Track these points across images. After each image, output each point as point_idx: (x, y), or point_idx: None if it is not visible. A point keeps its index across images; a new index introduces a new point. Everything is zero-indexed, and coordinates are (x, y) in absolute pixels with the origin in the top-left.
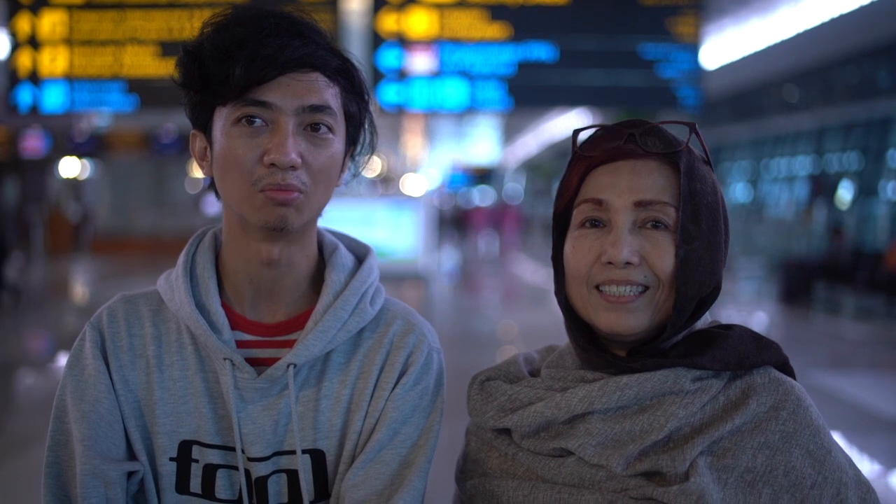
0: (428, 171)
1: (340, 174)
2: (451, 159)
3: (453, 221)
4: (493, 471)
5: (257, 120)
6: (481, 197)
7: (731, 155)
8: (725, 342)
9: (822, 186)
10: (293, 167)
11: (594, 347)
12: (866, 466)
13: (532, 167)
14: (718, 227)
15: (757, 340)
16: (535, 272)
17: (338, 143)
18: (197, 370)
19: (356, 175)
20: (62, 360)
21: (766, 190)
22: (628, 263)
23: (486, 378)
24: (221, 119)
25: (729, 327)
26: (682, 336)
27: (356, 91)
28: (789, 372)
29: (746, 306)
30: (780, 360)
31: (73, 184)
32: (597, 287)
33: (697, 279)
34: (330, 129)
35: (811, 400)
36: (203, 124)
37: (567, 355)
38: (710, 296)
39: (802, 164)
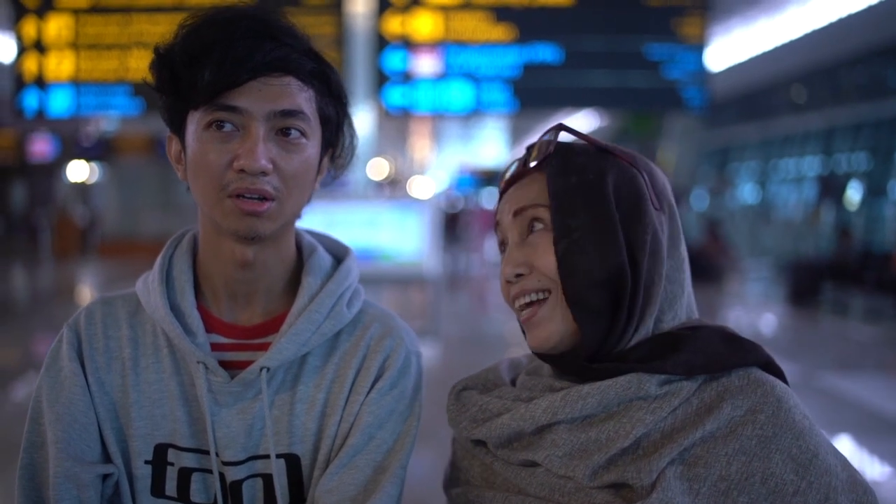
0: (435, 174)
1: (317, 177)
2: (459, 162)
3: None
4: (474, 479)
5: (227, 125)
6: (487, 198)
7: (739, 156)
8: (691, 345)
9: (831, 187)
10: (263, 173)
11: (557, 359)
12: (875, 469)
13: None
14: (604, 212)
15: (729, 342)
16: None
17: (311, 147)
18: (172, 373)
19: (336, 178)
20: None
21: (774, 191)
22: (519, 275)
23: (462, 388)
24: (193, 123)
25: (698, 328)
26: (644, 338)
27: (332, 94)
28: (774, 372)
29: (754, 307)
30: (758, 360)
31: (81, 187)
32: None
33: (582, 269)
34: (303, 134)
35: (797, 400)
36: (177, 128)
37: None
38: (622, 283)
39: (811, 165)
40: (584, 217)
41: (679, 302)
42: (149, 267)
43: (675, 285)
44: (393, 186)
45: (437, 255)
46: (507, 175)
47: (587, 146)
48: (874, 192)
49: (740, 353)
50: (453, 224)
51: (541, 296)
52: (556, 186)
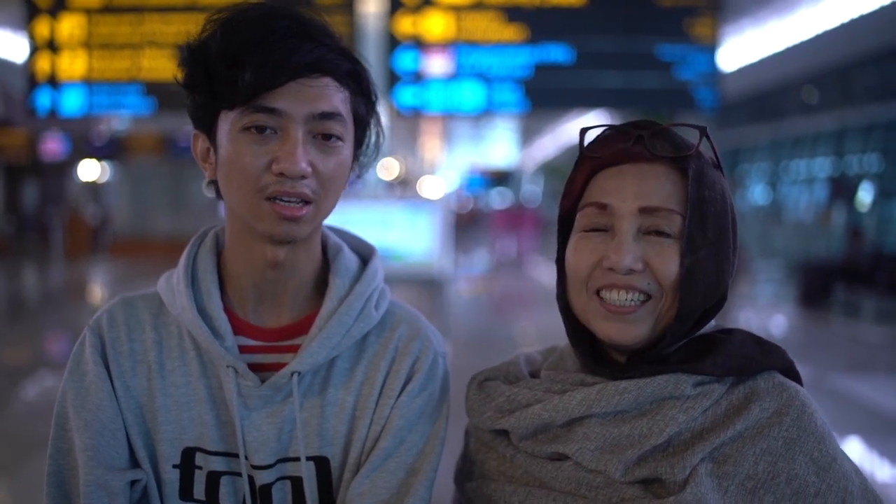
0: (446, 174)
1: (348, 176)
2: (469, 162)
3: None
4: (491, 473)
5: (266, 128)
6: (498, 199)
7: (750, 157)
8: (727, 347)
9: (842, 188)
10: (303, 176)
11: (592, 354)
12: (886, 471)
13: (550, 169)
14: (726, 235)
15: (760, 345)
16: (552, 276)
17: (347, 148)
18: (200, 376)
19: (360, 176)
20: None
21: (785, 192)
22: (631, 270)
23: (484, 378)
24: (227, 123)
25: (730, 332)
26: (683, 342)
27: (364, 93)
28: (794, 376)
29: (765, 309)
30: (784, 364)
31: (92, 186)
32: (597, 293)
33: (702, 290)
34: (340, 137)
35: (817, 405)
36: (207, 126)
37: (568, 357)
38: (714, 306)
39: (822, 166)
40: (710, 237)
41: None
42: (160, 266)
43: None
44: (403, 186)
45: (448, 256)
46: (616, 146)
47: (709, 156)
48: (886, 193)
49: (770, 356)
50: (470, 225)
51: (641, 297)
52: (697, 198)
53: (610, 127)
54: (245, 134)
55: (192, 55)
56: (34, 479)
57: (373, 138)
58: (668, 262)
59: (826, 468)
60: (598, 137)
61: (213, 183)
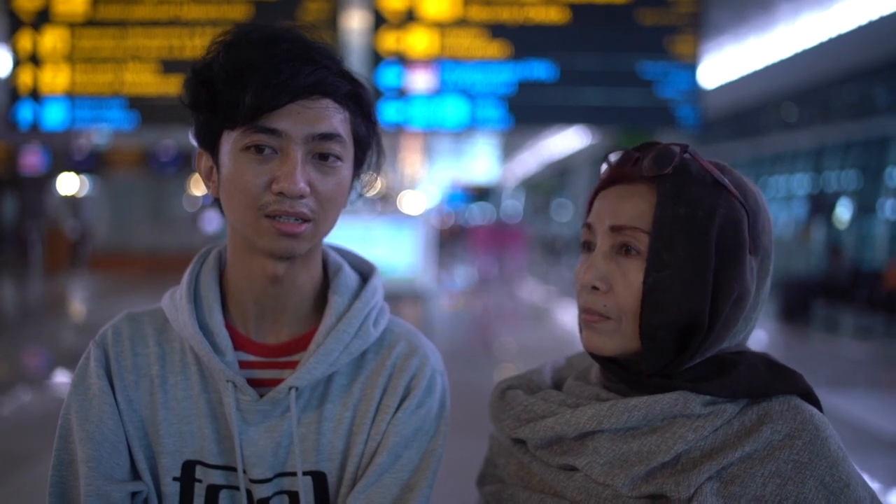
0: (426, 189)
1: (348, 196)
2: (450, 177)
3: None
4: (510, 478)
5: (266, 147)
6: (482, 214)
7: None
8: (736, 370)
9: (821, 205)
10: (301, 196)
11: (610, 367)
12: None
13: (531, 185)
14: (702, 254)
15: (772, 368)
16: (533, 291)
17: (346, 168)
18: (200, 391)
19: (361, 195)
20: (60, 377)
21: None
22: (595, 288)
23: (507, 386)
24: (229, 143)
25: (742, 354)
26: (697, 360)
27: (365, 114)
28: (814, 402)
29: None
30: (798, 389)
31: (72, 200)
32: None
33: (663, 308)
34: (338, 157)
35: (833, 430)
36: (210, 145)
37: (594, 368)
38: (697, 327)
39: (801, 183)
40: (680, 255)
41: (739, 336)
42: (140, 280)
43: (742, 322)
44: (384, 201)
45: (431, 271)
46: (611, 168)
47: (704, 174)
48: (864, 209)
49: (782, 380)
50: (454, 239)
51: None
52: (663, 215)
53: (625, 152)
54: (246, 153)
55: (197, 76)
56: (11, 495)
57: (374, 158)
58: (631, 282)
59: (837, 493)
60: (609, 162)
61: (217, 200)
